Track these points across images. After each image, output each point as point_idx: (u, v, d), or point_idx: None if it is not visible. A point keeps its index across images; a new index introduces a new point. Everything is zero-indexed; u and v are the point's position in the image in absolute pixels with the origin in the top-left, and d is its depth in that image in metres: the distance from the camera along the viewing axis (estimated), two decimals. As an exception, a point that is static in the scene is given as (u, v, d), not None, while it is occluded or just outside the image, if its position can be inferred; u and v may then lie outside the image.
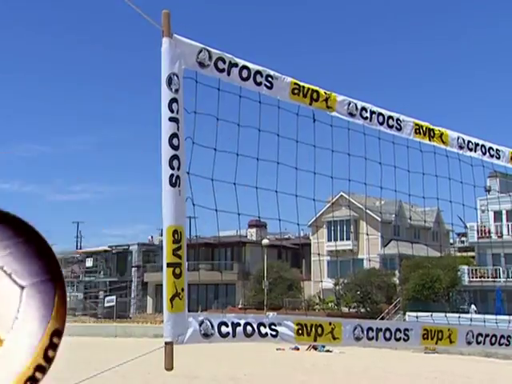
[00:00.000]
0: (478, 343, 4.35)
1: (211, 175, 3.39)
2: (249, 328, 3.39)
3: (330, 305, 40.87)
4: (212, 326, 3.23)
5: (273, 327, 3.50)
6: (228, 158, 3.58)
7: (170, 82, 3.03)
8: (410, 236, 44.81)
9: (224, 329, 3.28)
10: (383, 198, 4.64)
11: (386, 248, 43.63)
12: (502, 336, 4.36)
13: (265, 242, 40.41)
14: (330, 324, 3.77)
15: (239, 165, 3.56)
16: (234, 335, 3.32)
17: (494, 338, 4.37)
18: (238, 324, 3.36)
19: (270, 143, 3.71)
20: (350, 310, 39.10)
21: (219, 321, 3.28)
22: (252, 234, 52.98)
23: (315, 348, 26.35)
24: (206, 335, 3.20)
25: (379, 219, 43.45)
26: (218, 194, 3.51)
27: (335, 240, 46.05)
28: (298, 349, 26.51)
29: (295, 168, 3.76)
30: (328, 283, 42.40)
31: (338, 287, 41.16)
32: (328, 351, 25.57)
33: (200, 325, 3.18)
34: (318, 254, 45.64)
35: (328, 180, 4.01)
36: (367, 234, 42.45)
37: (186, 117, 3.14)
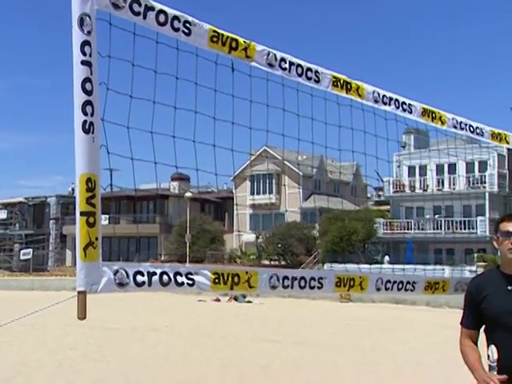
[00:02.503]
0: (387, 289, 4.57)
1: (127, 123, 3.30)
2: (165, 277, 3.39)
3: (251, 257, 41.67)
4: (127, 275, 3.20)
5: (189, 276, 3.52)
6: (144, 106, 3.50)
7: (81, 22, 2.88)
8: (330, 190, 46.07)
9: (139, 278, 3.27)
10: (305, 153, 4.71)
11: (306, 202, 44.70)
12: (408, 282, 4.61)
13: (187, 195, 40.26)
14: (247, 273, 3.83)
15: (156, 113, 3.50)
16: (149, 284, 3.31)
17: (400, 284, 4.60)
18: (154, 273, 3.35)
19: (187, 92, 3.65)
20: (271, 262, 40.05)
21: (134, 270, 3.25)
22: (175, 187, 52.62)
23: (236, 299, 26.91)
24: (121, 284, 3.17)
25: (300, 173, 44.25)
26: (138, 145, 3.45)
27: (258, 193, 46.61)
28: (219, 300, 26.99)
29: (213, 118, 3.73)
30: (250, 236, 43.11)
31: (259, 240, 41.95)
32: (249, 302, 26.18)
33: (115, 274, 3.15)
34: (236, 205, 46.09)
35: (249, 132, 4.01)
36: (284, 185, 43.26)
37: (99, 61, 3.02)
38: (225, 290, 3.81)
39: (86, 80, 2.91)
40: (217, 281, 3.64)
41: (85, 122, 2.93)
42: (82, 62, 2.89)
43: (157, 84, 3.39)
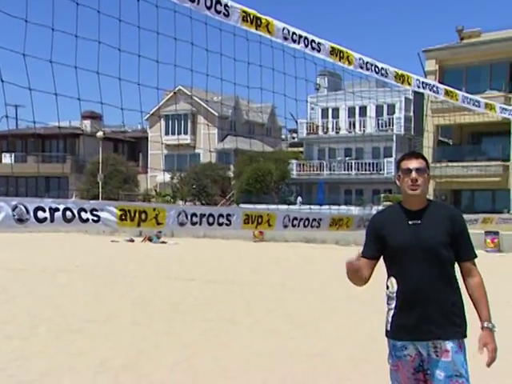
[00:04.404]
0: (294, 226, 4.72)
1: (23, 50, 3.11)
2: (68, 213, 3.30)
3: (166, 198, 41.43)
4: (27, 210, 3.09)
5: (94, 212, 3.45)
6: (43, 34, 3.31)
7: None
8: (246, 131, 46.21)
9: (41, 214, 3.17)
10: (220, 93, 4.63)
11: (222, 142, 44.67)
12: (314, 219, 4.78)
13: (99, 134, 39.05)
14: (154, 210, 3.80)
15: (56, 43, 3.31)
16: (52, 220, 3.22)
17: (307, 221, 4.76)
18: (57, 209, 3.25)
19: (90, 20, 3.47)
20: (186, 202, 40.03)
21: (35, 206, 3.15)
22: (86, 125, 50.80)
23: (150, 239, 26.86)
24: (21, 220, 3.07)
25: (216, 114, 43.96)
26: (41, 79, 3.27)
27: (172, 134, 45.97)
28: (132, 240, 26.84)
29: (118, 49, 3.59)
30: (165, 177, 42.73)
31: (174, 181, 41.69)
32: (163, 242, 26.23)
33: (13, 209, 3.03)
34: (151, 141, 45.34)
35: (157, 66, 3.89)
36: (197, 123, 42.89)
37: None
38: (132, 226, 3.78)
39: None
40: (123, 217, 3.59)
41: (-25, 47, 2.74)
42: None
43: (55, 10, 3.20)
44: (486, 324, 3.17)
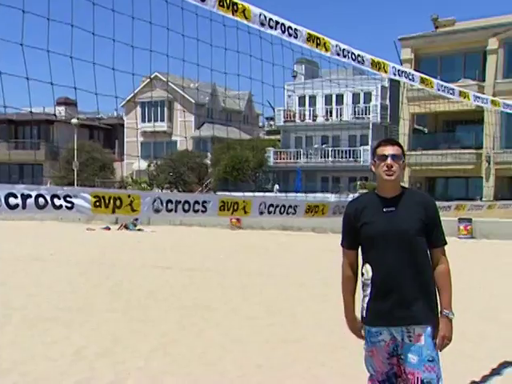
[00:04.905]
0: (270, 213, 4.71)
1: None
2: (41, 200, 3.25)
3: (143, 186, 41.14)
4: (-2, 197, 3.04)
5: (68, 199, 3.40)
6: (13, 16, 3.23)
7: None
8: (223, 118, 46.03)
9: (12, 200, 3.11)
10: (195, 80, 4.58)
11: (199, 130, 44.44)
12: (290, 206, 4.77)
13: (74, 121, 38.50)
14: (129, 196, 3.76)
15: (29, 26, 3.24)
16: (24, 207, 3.16)
17: (283, 208, 4.75)
18: (29, 196, 3.20)
19: (63, 2, 3.40)
20: (163, 190, 39.82)
21: (7, 192, 3.09)
22: (61, 112, 50.07)
23: (126, 227, 26.69)
24: (-9, 207, 3.01)
25: (193, 101, 43.70)
26: (14, 64, 3.19)
27: (149, 121, 45.59)
28: (108, 228, 26.63)
29: (92, 33, 3.53)
30: (141, 164, 42.42)
31: (151, 168, 41.42)
32: (140, 230, 26.09)
33: (-17, 196, 2.98)
34: (126, 128, 44.93)
35: (132, 51, 3.84)
36: (174, 109, 42.58)
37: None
38: (106, 213, 3.74)
39: None
40: (97, 204, 3.54)
41: None
42: None
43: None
44: (444, 312, 3.24)
